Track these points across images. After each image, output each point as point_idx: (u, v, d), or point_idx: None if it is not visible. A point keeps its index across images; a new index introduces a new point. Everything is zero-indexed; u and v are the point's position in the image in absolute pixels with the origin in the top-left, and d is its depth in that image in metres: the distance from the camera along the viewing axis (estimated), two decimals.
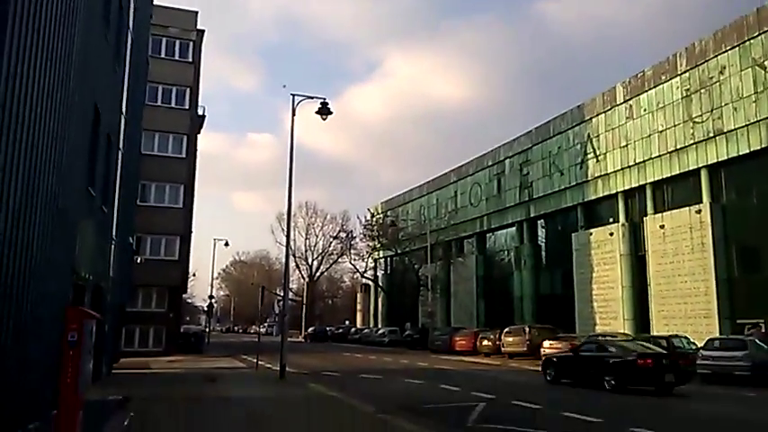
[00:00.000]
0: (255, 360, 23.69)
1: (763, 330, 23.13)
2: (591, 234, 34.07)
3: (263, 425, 10.43)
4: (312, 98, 20.36)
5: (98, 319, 9.87)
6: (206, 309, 58.15)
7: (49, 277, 10.77)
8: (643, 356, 16.09)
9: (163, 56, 36.87)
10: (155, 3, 32.92)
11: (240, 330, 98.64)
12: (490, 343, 31.67)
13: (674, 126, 28.88)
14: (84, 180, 13.63)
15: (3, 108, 7.74)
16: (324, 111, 20.02)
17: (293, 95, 20.24)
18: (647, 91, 30.63)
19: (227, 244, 52.49)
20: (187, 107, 38.00)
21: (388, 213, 55.59)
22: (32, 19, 8.76)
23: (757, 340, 19.74)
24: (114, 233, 19.59)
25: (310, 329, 62.64)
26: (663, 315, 28.49)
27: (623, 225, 32.16)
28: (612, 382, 16.12)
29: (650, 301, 29.48)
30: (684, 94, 28.40)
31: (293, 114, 20.34)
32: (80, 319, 7.82)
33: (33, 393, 9.43)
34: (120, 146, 19.63)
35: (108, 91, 16.23)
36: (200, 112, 42.02)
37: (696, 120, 27.69)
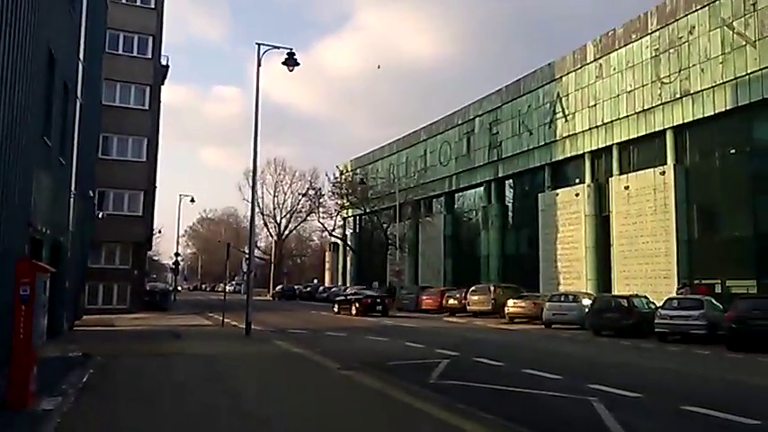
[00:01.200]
0: (221, 318, 23.58)
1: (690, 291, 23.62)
2: (557, 195, 34.37)
3: (225, 380, 10.35)
4: (278, 48, 19.80)
5: (53, 273, 9.56)
6: (172, 266, 57.53)
7: (2, 229, 10.39)
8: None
9: (124, 1, 35.40)
10: None
11: (208, 289, 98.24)
12: (456, 302, 32.05)
13: (643, 86, 28.98)
14: (39, 128, 13.09)
15: None
16: (290, 62, 19.49)
17: (258, 45, 19.64)
18: (617, 50, 30.58)
19: (192, 200, 51.83)
20: (150, 56, 36.70)
21: (358, 171, 55.26)
22: None
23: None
24: (74, 186, 19.02)
25: (278, 288, 62.63)
26: (624, 275, 29.09)
27: (589, 186, 32.49)
28: None
29: (612, 261, 30.04)
30: (654, 54, 28.42)
31: (258, 65, 19.77)
32: (32, 272, 7.52)
33: None
34: (79, 95, 18.92)
35: (63, 34, 15.51)
36: (163, 62, 40.69)
37: (664, 80, 27.80)
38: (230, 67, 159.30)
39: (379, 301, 31.83)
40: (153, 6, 36.93)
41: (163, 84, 43.21)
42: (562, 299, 25.19)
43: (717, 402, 8.82)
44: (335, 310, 33.17)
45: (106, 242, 34.34)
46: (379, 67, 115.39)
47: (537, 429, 7.01)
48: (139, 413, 7.48)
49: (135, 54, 36.34)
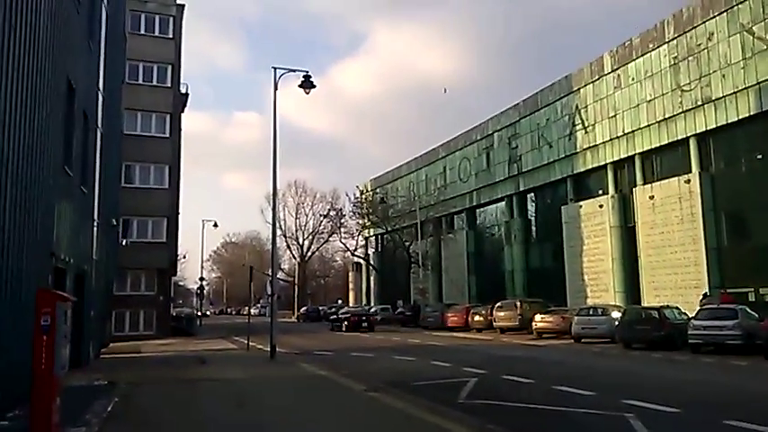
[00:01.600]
0: (247, 341, 23.49)
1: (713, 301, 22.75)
2: (581, 206, 33.90)
3: (251, 405, 10.19)
4: (295, 71, 19.87)
5: (77, 302, 9.53)
6: (197, 291, 57.84)
7: (24, 258, 10.42)
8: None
9: (142, 32, 36.08)
10: None
11: (233, 312, 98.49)
12: (482, 318, 31.61)
13: (663, 95, 28.58)
14: (59, 158, 13.20)
15: None
16: (306, 84, 19.54)
17: (275, 69, 19.73)
18: (635, 60, 30.25)
19: (215, 225, 52.07)
20: (169, 85, 37.30)
21: (378, 190, 55.21)
22: None
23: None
24: (96, 215, 19.17)
25: (303, 309, 62.53)
26: (653, 286, 28.47)
27: (613, 197, 32.00)
28: None
29: (641, 272, 29.43)
30: (672, 62, 28.06)
31: (275, 89, 19.84)
32: (53, 302, 7.45)
33: (12, 381, 9.15)
34: (99, 124, 19.14)
35: (82, 66, 15.72)
36: (182, 90, 41.25)
37: (684, 88, 27.39)
38: (249, 93, 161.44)
39: (364, 318, 36.84)
40: (171, 36, 37.56)
41: (183, 111, 43.78)
42: (591, 312, 24.68)
43: (760, 416, 8.44)
44: (330, 328, 37.16)
45: (131, 269, 34.62)
46: (445, 91, 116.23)
47: None
48: None
49: (155, 83, 36.93)
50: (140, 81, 36.13)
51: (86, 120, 16.72)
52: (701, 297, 24.30)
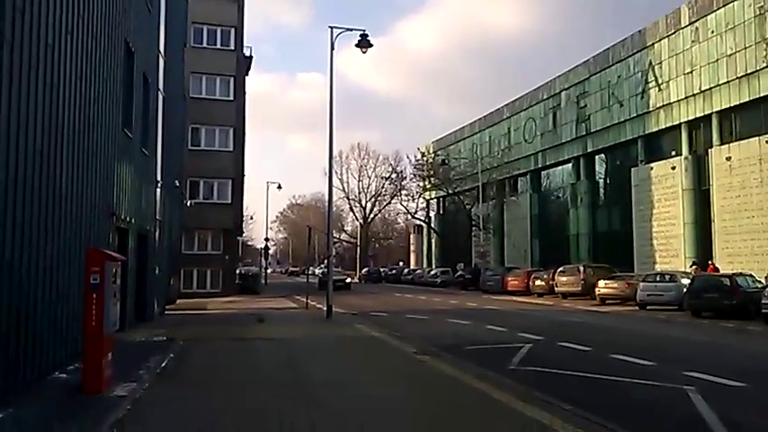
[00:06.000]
0: (305, 301, 23.88)
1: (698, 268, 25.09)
2: (652, 168, 32.38)
3: (301, 366, 10.28)
4: (351, 30, 19.55)
5: (126, 261, 9.77)
6: (263, 251, 59.22)
7: (84, 218, 10.75)
8: None
9: None
10: None
11: (299, 272, 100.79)
12: (543, 283, 30.95)
13: (745, 48, 26.60)
14: (118, 121, 13.48)
15: (11, 41, 7.46)
16: (363, 43, 19.20)
17: (331, 28, 19.47)
18: (715, 11, 28.19)
19: (279, 187, 52.79)
20: (233, 48, 37.63)
21: (439, 152, 54.55)
22: None
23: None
24: (159, 176, 19.65)
25: (364, 270, 63.20)
26: (727, 253, 27.04)
27: (686, 158, 30.35)
28: None
29: (714, 237, 27.98)
30: (758, 12, 25.97)
31: (332, 48, 19.62)
32: (102, 261, 7.64)
33: (74, 335, 9.53)
34: (160, 87, 19.45)
35: (141, 29, 15.89)
36: (246, 53, 41.59)
37: None
38: (313, 54, 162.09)
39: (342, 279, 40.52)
40: None
41: (247, 74, 44.27)
42: (658, 278, 23.68)
43: None
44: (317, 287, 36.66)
45: (198, 229, 35.71)
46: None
47: (622, 425, 6.37)
48: (209, 402, 7.44)
49: (218, 47, 37.29)
50: (204, 44, 36.59)
51: (146, 82, 16.99)
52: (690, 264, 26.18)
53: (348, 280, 42.45)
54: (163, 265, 21.07)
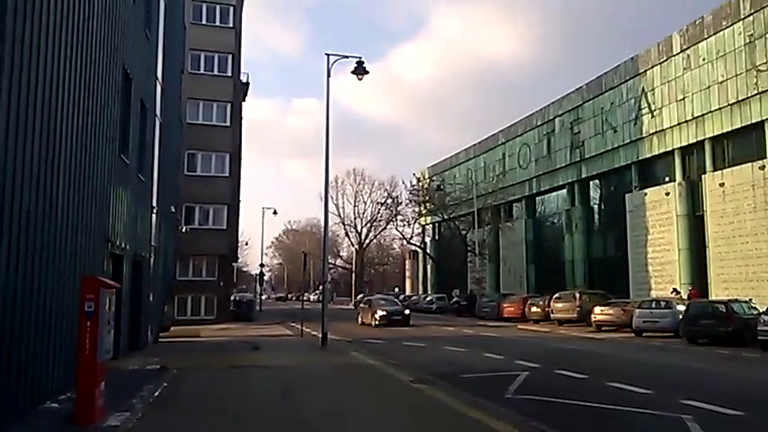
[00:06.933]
0: (300, 328, 23.71)
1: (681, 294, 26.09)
2: (646, 194, 32.56)
3: (295, 395, 10.18)
4: (347, 57, 19.73)
5: (121, 288, 9.71)
6: (257, 277, 59.00)
7: (78, 245, 10.71)
8: None
9: (203, 22, 36.70)
10: None
11: (293, 298, 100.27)
12: (539, 309, 30.87)
13: (736, 76, 26.96)
14: (115, 147, 13.51)
15: (11, 68, 7.51)
16: (359, 70, 19.38)
17: (327, 55, 19.63)
18: (706, 39, 28.63)
19: (275, 212, 52.86)
20: (230, 74, 37.88)
21: (434, 178, 54.76)
22: None
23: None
24: (155, 202, 19.62)
25: (359, 297, 62.87)
26: (722, 279, 27.08)
27: (680, 184, 30.54)
28: None
29: (708, 264, 28.04)
30: (747, 41, 26.38)
31: (328, 75, 19.76)
32: (96, 288, 7.59)
33: (65, 364, 9.43)
34: (158, 113, 19.53)
35: (139, 56, 16.00)
36: (243, 80, 41.89)
37: (761, 68, 25.71)
38: (310, 80, 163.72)
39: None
40: (231, 26, 38.08)
41: (244, 100, 44.59)
42: (653, 305, 23.66)
43: None
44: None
45: (193, 255, 35.54)
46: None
47: None
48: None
49: (216, 73, 37.52)
50: (202, 71, 36.82)
51: (144, 108, 17.06)
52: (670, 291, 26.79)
53: (407, 312, 30.65)
54: (157, 292, 20.93)
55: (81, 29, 10.56)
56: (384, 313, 29.15)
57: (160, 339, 20.88)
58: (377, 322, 28.63)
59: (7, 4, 7.37)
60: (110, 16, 12.49)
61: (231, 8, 37.98)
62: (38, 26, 8.40)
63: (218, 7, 37.44)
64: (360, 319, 31.56)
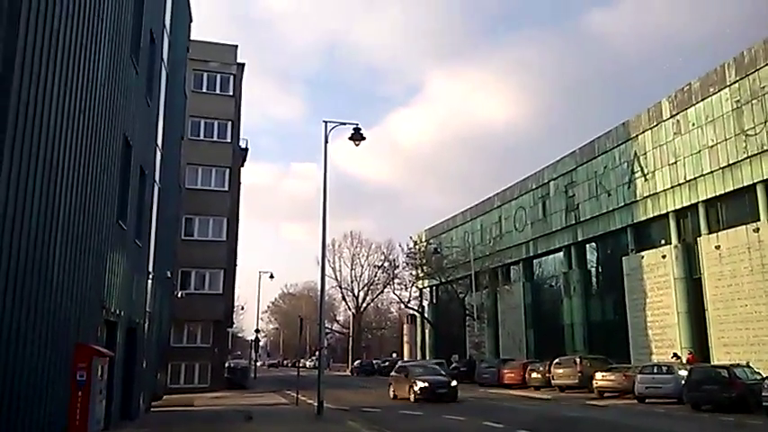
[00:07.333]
0: (296, 396, 23.20)
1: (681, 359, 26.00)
2: (642, 257, 32.58)
3: None
4: (345, 124, 20.11)
5: (114, 356, 9.56)
6: (252, 343, 58.10)
7: (73, 311, 10.59)
8: None
9: (204, 90, 37.58)
10: (197, 38, 33.70)
11: (289, 364, 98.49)
12: (540, 375, 30.32)
13: (726, 140, 27.49)
14: (114, 213, 13.58)
15: (14, 129, 7.64)
16: (356, 136, 19.73)
17: (325, 122, 20.03)
18: (694, 104, 29.33)
19: (271, 276, 52.52)
20: (229, 140, 38.49)
21: (431, 241, 54.82)
22: (48, 48, 8.72)
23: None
24: (151, 267, 19.57)
25: (356, 363, 61.80)
26: (723, 342, 26.77)
27: (676, 247, 30.62)
28: None
29: (708, 327, 27.76)
30: (735, 107, 27.05)
31: (326, 142, 20.09)
32: (89, 356, 7.50)
33: None
34: (157, 179, 19.73)
35: (140, 123, 16.30)
36: (242, 145, 42.50)
37: (749, 132, 26.27)
38: (307, 144, 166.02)
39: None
40: (231, 94, 38.98)
41: (243, 165, 45.08)
42: (655, 370, 23.28)
43: None
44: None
45: (188, 321, 35.10)
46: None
47: None
48: None
49: (215, 139, 38.13)
50: (201, 137, 37.42)
51: (143, 174, 17.26)
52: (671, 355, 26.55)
53: (454, 383, 25.03)
54: (150, 359, 20.60)
55: (84, 96, 10.81)
56: (425, 385, 24.02)
57: (152, 409, 20.38)
58: (416, 396, 23.83)
59: (14, 68, 7.57)
60: (113, 85, 12.81)
61: (231, 77, 38.97)
62: (42, 90, 8.62)
63: (218, 76, 38.41)
64: (392, 392, 26.52)
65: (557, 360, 29.71)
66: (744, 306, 25.97)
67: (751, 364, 21.30)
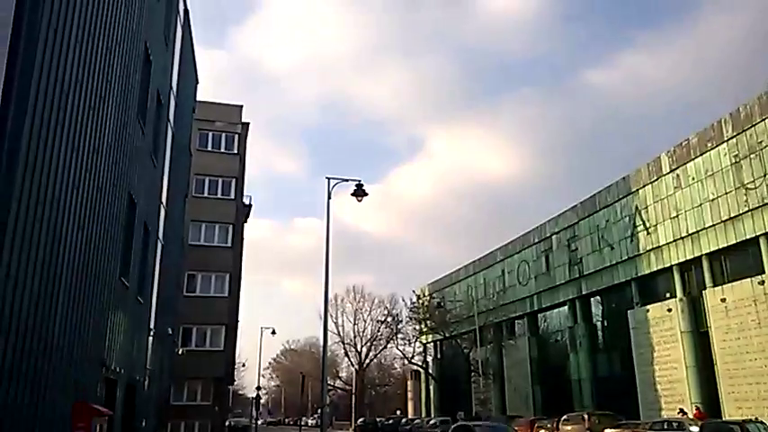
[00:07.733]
0: None
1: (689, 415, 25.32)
2: (648, 311, 32.31)
3: None
4: (347, 180, 20.36)
5: (129, 413, 9.44)
6: (253, 400, 57.13)
7: (72, 369, 10.51)
8: None
9: (209, 149, 38.24)
10: (203, 99, 34.47)
11: (291, 422, 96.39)
12: None
13: (726, 194, 27.65)
14: (116, 270, 13.62)
15: (21, 187, 7.77)
16: (359, 192, 19.96)
17: (328, 179, 20.29)
18: (693, 159, 29.65)
19: (273, 332, 51.97)
20: (233, 197, 38.93)
21: (434, 295, 54.50)
22: (57, 111, 8.97)
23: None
24: (153, 324, 19.47)
25: (360, 421, 60.43)
26: (734, 397, 26.25)
27: (681, 300, 30.38)
28: None
29: (718, 382, 27.29)
30: (734, 161, 27.32)
31: (329, 197, 20.33)
32: (88, 416, 7.42)
33: None
34: (160, 236, 19.85)
35: (144, 182, 16.53)
36: (246, 202, 42.91)
37: (749, 186, 26.46)
38: (310, 200, 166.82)
39: None
40: (236, 152, 39.66)
41: (246, 221, 45.39)
42: (665, 426, 22.83)
43: None
44: None
45: (188, 378, 34.66)
46: None
47: None
48: None
49: (219, 196, 38.59)
50: (206, 194, 37.89)
51: (147, 232, 17.39)
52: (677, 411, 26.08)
53: None
54: (149, 418, 20.24)
55: (90, 157, 11.01)
56: None
57: None
58: None
59: (23, 131, 7.76)
60: (119, 146, 13.06)
61: (236, 136, 39.73)
62: (50, 150, 8.79)
63: (223, 135, 39.19)
64: None
65: (565, 417, 29.17)
66: (753, 360, 25.57)
67: (764, 420, 20.83)
